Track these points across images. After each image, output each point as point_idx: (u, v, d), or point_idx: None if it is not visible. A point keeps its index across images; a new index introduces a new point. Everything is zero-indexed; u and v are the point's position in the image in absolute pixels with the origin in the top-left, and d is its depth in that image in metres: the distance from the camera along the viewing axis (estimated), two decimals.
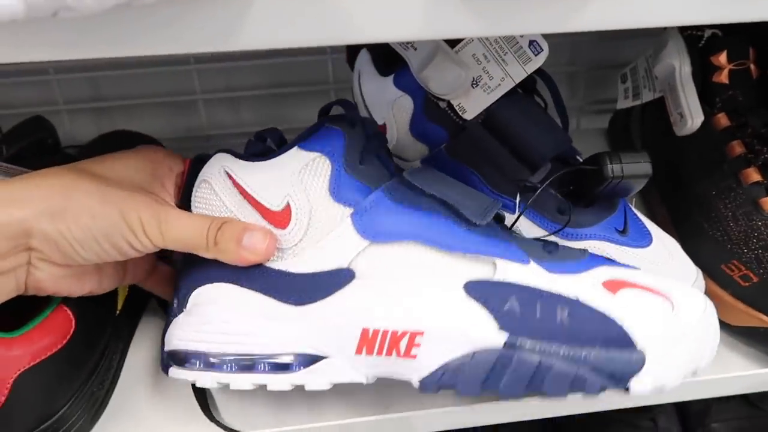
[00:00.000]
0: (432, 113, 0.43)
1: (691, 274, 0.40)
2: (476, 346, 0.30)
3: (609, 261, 0.34)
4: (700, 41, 0.45)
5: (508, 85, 0.41)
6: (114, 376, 0.39)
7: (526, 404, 0.37)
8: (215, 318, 0.34)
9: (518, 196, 0.42)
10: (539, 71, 0.44)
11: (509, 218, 0.40)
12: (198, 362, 0.34)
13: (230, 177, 0.34)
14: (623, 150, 0.39)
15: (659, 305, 0.31)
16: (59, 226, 0.29)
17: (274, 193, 0.33)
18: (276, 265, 0.34)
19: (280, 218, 0.33)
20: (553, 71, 0.66)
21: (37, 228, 0.29)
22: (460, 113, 0.42)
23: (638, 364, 0.30)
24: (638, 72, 0.51)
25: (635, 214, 0.42)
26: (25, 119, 0.46)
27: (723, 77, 0.45)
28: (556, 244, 0.35)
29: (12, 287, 0.30)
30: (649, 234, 0.41)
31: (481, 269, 0.32)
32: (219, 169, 0.35)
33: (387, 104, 0.44)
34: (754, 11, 0.28)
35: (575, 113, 0.68)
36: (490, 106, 0.42)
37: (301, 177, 0.33)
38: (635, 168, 0.38)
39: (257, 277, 0.33)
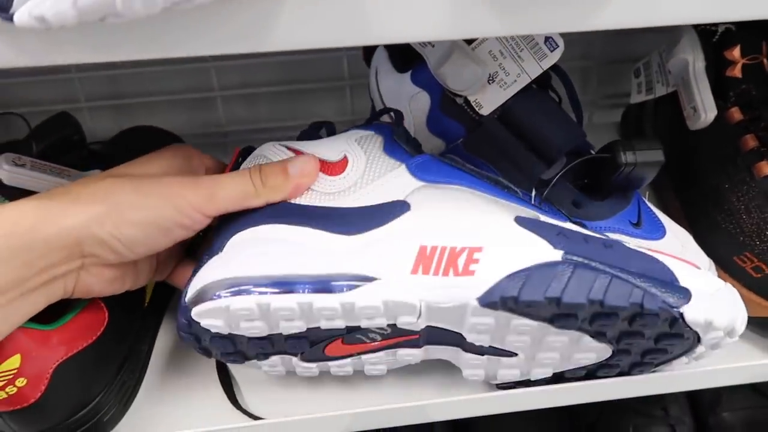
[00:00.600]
0: (448, 109, 0.44)
1: (704, 265, 0.41)
2: (535, 260, 0.30)
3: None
4: (714, 36, 0.46)
5: (524, 81, 0.42)
6: (143, 365, 0.40)
7: (543, 392, 0.38)
8: (254, 250, 0.32)
9: (534, 190, 0.43)
10: (554, 66, 0.45)
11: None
12: (232, 289, 0.30)
13: (287, 147, 0.36)
14: (636, 138, 0.40)
15: (692, 268, 0.33)
16: (108, 228, 0.30)
17: (331, 149, 0.36)
18: (327, 202, 0.34)
19: (337, 167, 0.36)
20: (566, 66, 0.67)
21: (87, 234, 0.30)
22: (476, 109, 0.43)
23: (687, 296, 0.31)
24: (651, 66, 0.51)
25: (648, 207, 0.43)
26: (52, 116, 0.47)
27: (736, 71, 0.46)
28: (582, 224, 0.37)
29: (59, 293, 0.31)
30: (663, 226, 0.42)
31: (527, 212, 0.34)
32: (273, 145, 0.37)
33: (404, 100, 0.45)
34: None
35: (588, 107, 0.68)
36: (506, 101, 0.42)
37: (358, 142, 0.37)
38: (648, 155, 0.39)
39: (305, 214, 0.33)
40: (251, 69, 0.62)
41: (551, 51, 0.41)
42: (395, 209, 0.33)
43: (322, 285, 0.31)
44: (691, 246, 0.42)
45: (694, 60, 0.46)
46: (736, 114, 0.45)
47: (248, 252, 0.32)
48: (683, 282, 0.32)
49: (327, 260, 0.31)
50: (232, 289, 0.30)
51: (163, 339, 0.44)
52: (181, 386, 0.41)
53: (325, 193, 0.35)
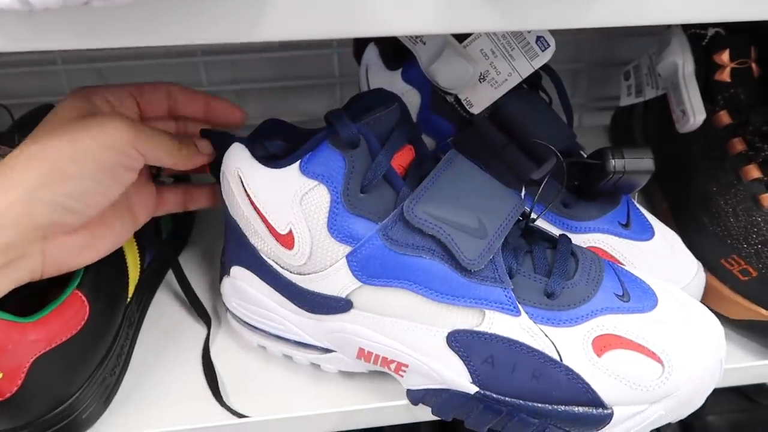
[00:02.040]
0: (439, 107, 0.44)
1: (692, 267, 0.41)
2: (451, 387, 0.34)
3: (613, 307, 0.32)
4: (704, 40, 0.46)
5: (515, 80, 0.42)
6: (125, 362, 0.39)
7: None
8: (250, 297, 0.38)
9: (524, 189, 0.42)
10: (545, 67, 0.45)
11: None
12: (242, 323, 0.40)
13: (243, 185, 0.34)
14: (626, 146, 0.40)
15: (646, 369, 0.31)
16: (55, 189, 0.30)
17: (279, 217, 0.34)
18: (289, 276, 0.36)
19: (286, 241, 0.34)
20: (556, 68, 0.67)
21: (35, 202, 0.29)
22: (467, 107, 0.43)
23: (606, 420, 0.31)
24: (641, 69, 0.51)
25: (638, 209, 0.43)
26: (35, 107, 0.46)
27: (725, 75, 0.46)
28: (561, 285, 0.33)
29: (24, 275, 0.30)
30: (652, 228, 0.42)
31: (468, 318, 0.33)
32: (234, 171, 0.34)
33: None
34: (757, 11, 0.28)
35: (578, 110, 0.69)
36: (497, 100, 0.42)
37: (302, 206, 0.33)
38: (637, 164, 0.39)
39: (275, 278, 0.36)
40: (241, 64, 0.61)
41: (542, 50, 0.41)
42: (340, 305, 0.35)
43: (302, 344, 0.39)
44: (680, 248, 0.42)
45: (683, 63, 0.46)
46: (724, 117, 0.45)
47: (248, 297, 0.39)
48: (610, 404, 0.31)
49: (302, 328, 0.38)
50: (245, 325, 0.41)
51: (147, 335, 0.43)
52: (164, 383, 0.40)
53: (288, 265, 0.35)
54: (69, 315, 0.34)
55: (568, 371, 0.31)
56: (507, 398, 0.32)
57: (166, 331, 0.43)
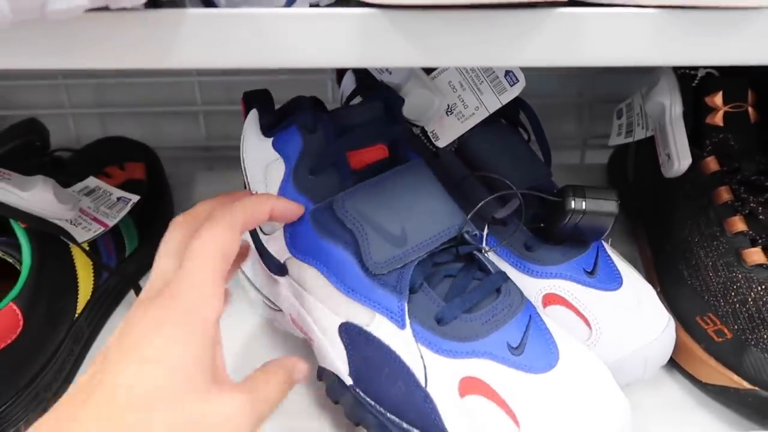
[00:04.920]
0: (408, 140, 0.42)
1: (660, 323, 0.38)
2: (336, 372, 0.35)
3: (497, 356, 0.31)
4: (694, 80, 0.43)
5: (482, 115, 0.40)
6: (65, 379, 0.39)
7: None
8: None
9: (486, 228, 0.41)
10: (520, 102, 0.44)
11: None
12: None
13: (242, 147, 0.38)
14: (592, 186, 0.37)
15: (500, 423, 0.29)
16: None
17: (254, 180, 0.37)
18: (260, 234, 0.38)
19: None
20: (560, 103, 0.65)
21: None
22: (433, 140, 0.42)
23: None
24: (633, 108, 0.49)
25: (608, 256, 0.40)
26: (19, 121, 0.47)
27: (717, 119, 0.43)
28: (454, 315, 0.32)
29: None
30: (620, 278, 0.39)
31: (360, 314, 0.33)
32: (242, 133, 0.38)
33: None
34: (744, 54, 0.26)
35: (581, 147, 0.66)
36: (464, 134, 0.41)
37: (266, 174, 0.36)
38: (599, 205, 0.37)
39: (254, 234, 0.39)
40: (235, 86, 0.62)
41: (511, 85, 0.39)
42: (280, 268, 0.37)
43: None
44: (650, 301, 0.39)
45: (671, 104, 0.43)
46: (712, 164, 0.42)
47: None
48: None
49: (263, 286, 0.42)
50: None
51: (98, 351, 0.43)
52: None
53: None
54: (0, 327, 0.34)
55: (427, 398, 0.30)
56: (371, 400, 0.33)
57: None
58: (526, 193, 0.38)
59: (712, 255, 0.40)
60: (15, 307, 0.35)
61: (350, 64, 0.26)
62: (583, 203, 0.36)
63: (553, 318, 0.37)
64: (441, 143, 0.42)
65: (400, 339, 0.32)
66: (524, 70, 0.59)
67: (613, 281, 0.39)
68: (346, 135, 0.35)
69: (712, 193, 0.42)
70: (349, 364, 0.34)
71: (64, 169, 0.48)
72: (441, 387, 0.30)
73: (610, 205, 0.37)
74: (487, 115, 0.40)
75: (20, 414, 0.35)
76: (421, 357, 0.31)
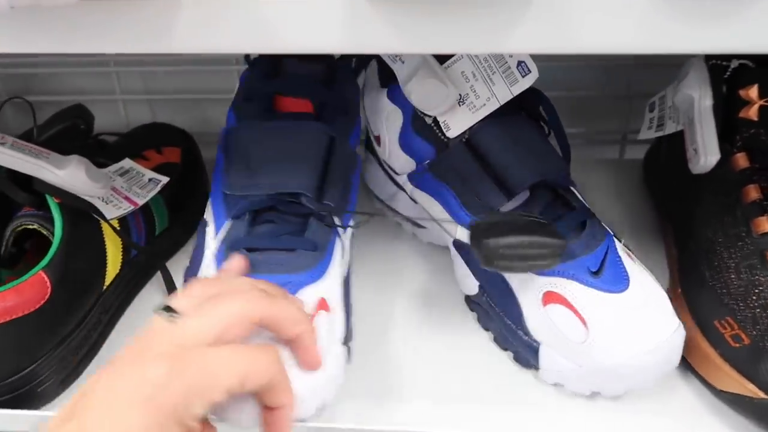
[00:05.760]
0: (419, 128, 0.43)
1: (667, 329, 0.36)
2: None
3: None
4: (725, 72, 0.41)
5: (493, 106, 0.40)
6: (93, 346, 0.42)
7: None
8: None
9: None
10: (539, 95, 0.43)
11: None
12: None
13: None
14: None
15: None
16: None
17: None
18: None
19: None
20: (601, 96, 0.63)
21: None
22: (444, 130, 0.42)
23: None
24: (666, 101, 0.47)
25: (618, 257, 0.38)
26: (66, 107, 0.51)
27: (751, 113, 0.41)
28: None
29: None
30: (627, 279, 0.37)
31: None
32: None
33: (381, 116, 0.45)
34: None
35: (620, 142, 0.64)
36: (474, 125, 0.41)
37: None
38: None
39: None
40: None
41: (523, 76, 0.39)
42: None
43: None
44: (658, 306, 0.37)
45: (700, 97, 0.41)
46: (741, 160, 0.40)
47: None
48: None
49: None
50: None
51: (127, 327, 0.45)
52: None
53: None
54: (29, 293, 0.37)
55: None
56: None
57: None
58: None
59: (735, 256, 0.38)
60: (44, 275, 0.38)
61: (339, 49, 0.27)
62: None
63: (551, 317, 0.37)
64: (451, 133, 0.41)
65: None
66: (564, 62, 0.58)
67: (619, 283, 0.37)
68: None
69: (740, 191, 0.39)
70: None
71: (106, 152, 0.51)
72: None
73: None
74: (498, 106, 0.40)
75: (48, 374, 0.38)
76: None
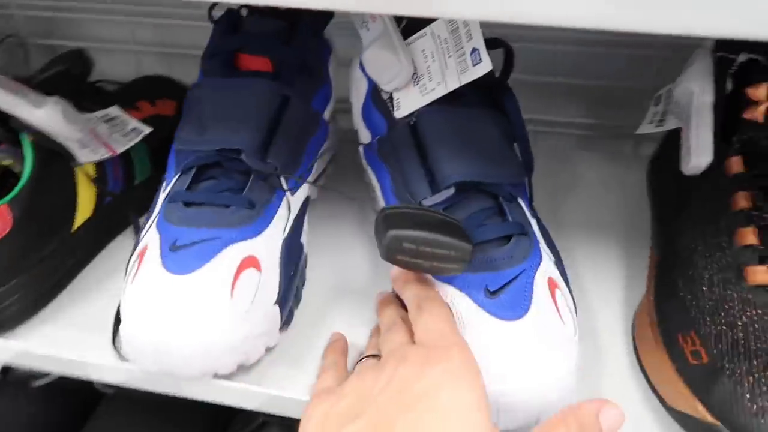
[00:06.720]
0: (377, 101, 0.41)
1: (554, 373, 0.31)
2: None
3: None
4: (732, 65, 0.37)
5: (441, 91, 0.37)
6: (56, 285, 0.43)
7: None
8: None
9: None
10: (498, 82, 0.40)
11: None
12: None
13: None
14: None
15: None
16: None
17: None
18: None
19: None
20: (615, 87, 0.59)
21: None
22: (395, 108, 0.39)
23: None
24: (672, 95, 0.43)
25: (530, 286, 0.33)
26: (65, 51, 0.51)
27: (757, 114, 0.37)
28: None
29: None
30: (526, 308, 0.32)
31: None
32: None
33: (352, 84, 0.43)
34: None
35: (634, 137, 0.60)
36: (423, 109, 0.38)
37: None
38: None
39: None
40: None
41: (474, 65, 0.35)
42: None
43: None
44: (549, 347, 0.32)
45: (700, 91, 0.38)
46: (736, 164, 0.36)
47: None
48: None
49: None
50: None
51: (100, 268, 0.46)
52: (88, 314, 0.43)
53: None
54: None
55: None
56: None
57: (118, 269, 0.45)
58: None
59: (711, 267, 0.35)
60: (7, 209, 0.39)
61: (314, 5, 0.25)
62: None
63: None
64: (399, 113, 0.39)
65: None
66: (586, 49, 0.54)
67: (514, 310, 0.32)
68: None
69: (729, 197, 0.36)
70: None
71: (100, 98, 0.52)
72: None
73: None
74: (445, 92, 0.37)
75: (7, 304, 0.39)
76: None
